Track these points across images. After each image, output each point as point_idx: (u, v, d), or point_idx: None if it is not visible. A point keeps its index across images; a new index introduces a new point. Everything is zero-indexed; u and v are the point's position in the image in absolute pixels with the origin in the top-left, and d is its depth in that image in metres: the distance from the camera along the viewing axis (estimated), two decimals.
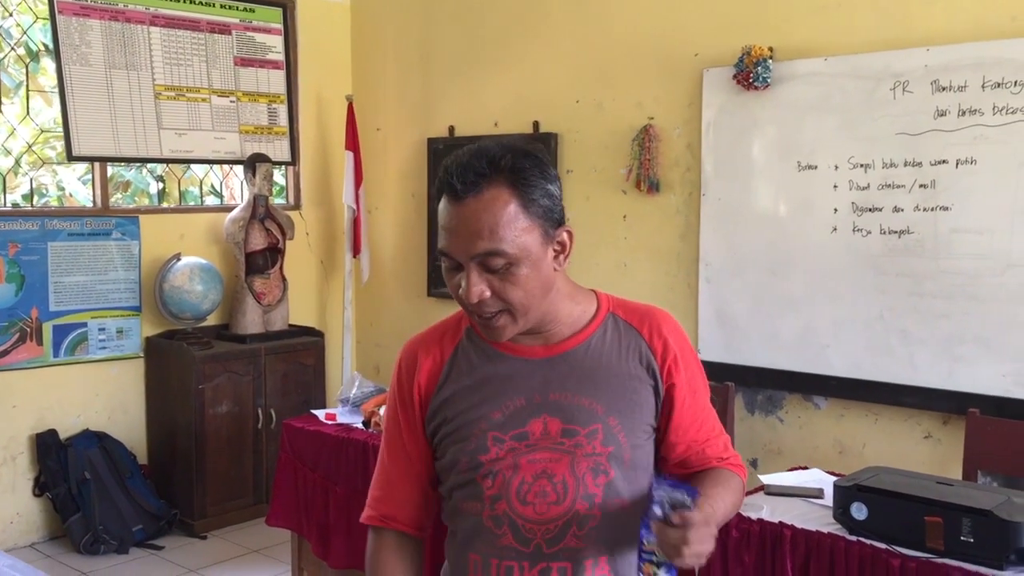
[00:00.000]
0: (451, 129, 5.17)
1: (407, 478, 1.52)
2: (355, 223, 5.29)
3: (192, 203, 5.55)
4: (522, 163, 1.34)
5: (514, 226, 1.31)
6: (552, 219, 1.36)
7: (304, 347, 5.05)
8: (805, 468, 3.04)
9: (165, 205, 5.31)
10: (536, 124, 4.75)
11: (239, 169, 5.23)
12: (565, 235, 1.39)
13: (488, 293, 1.33)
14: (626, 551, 1.42)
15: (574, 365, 1.43)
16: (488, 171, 1.32)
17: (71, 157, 4.55)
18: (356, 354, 5.51)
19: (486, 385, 1.43)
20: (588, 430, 1.40)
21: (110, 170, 4.98)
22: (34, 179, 7.39)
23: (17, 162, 4.88)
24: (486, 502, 1.41)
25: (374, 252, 5.51)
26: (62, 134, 4.71)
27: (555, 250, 1.38)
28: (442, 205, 1.35)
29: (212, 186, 7.24)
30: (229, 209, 5.09)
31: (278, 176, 5.47)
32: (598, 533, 1.40)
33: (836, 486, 2.44)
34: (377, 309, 5.62)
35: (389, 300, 5.57)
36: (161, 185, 7.63)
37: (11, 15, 4.82)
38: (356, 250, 5.33)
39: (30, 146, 4.88)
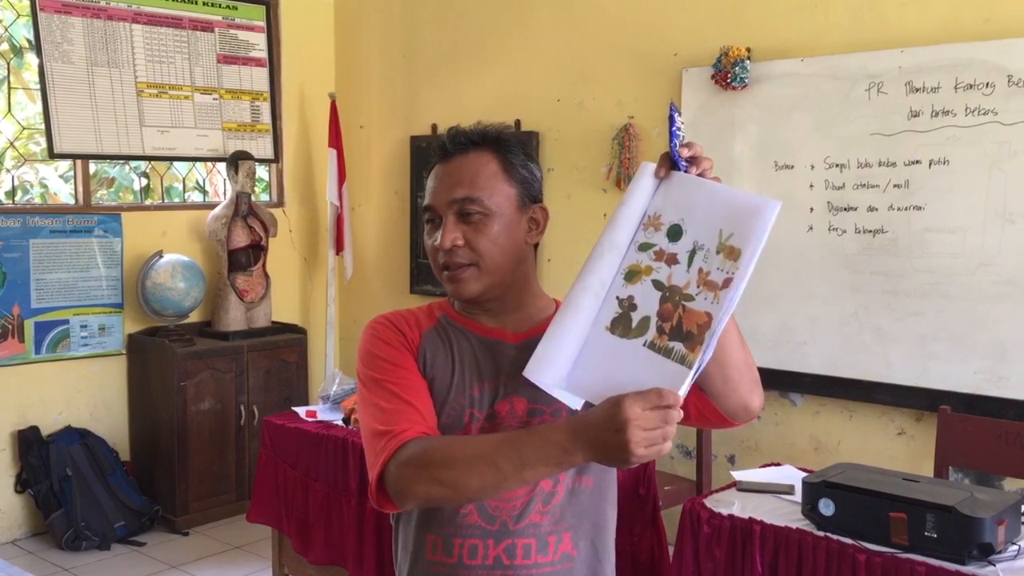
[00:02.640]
0: (434, 127, 5.19)
1: (428, 409, 1.44)
2: (338, 220, 5.31)
3: (176, 200, 5.56)
4: (508, 137, 1.49)
5: (492, 183, 1.45)
6: (529, 192, 1.49)
7: (287, 344, 5.07)
8: (778, 464, 3.08)
9: (148, 202, 5.32)
10: (518, 122, 4.77)
11: (222, 166, 5.24)
12: (539, 212, 1.50)
13: (461, 241, 1.43)
14: (587, 526, 1.47)
15: None
16: (477, 138, 1.47)
17: (53, 154, 4.55)
18: (339, 351, 5.52)
19: (461, 363, 1.47)
20: (552, 408, 1.43)
21: (93, 167, 4.99)
22: (17, 176, 7.38)
23: (10, 155, 4.88)
24: None
25: (357, 249, 5.52)
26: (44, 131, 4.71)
27: (529, 225, 1.49)
28: (432, 171, 1.49)
29: (196, 181, 7.25)
30: (212, 206, 5.10)
31: (261, 173, 5.48)
32: (561, 509, 1.44)
33: (804, 482, 2.48)
34: (360, 306, 5.64)
35: (372, 297, 5.59)
36: (145, 181, 7.63)
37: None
38: (339, 247, 5.35)
39: (12, 143, 4.87)
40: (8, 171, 7.65)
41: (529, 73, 4.77)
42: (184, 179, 5.59)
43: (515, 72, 4.82)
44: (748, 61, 3.90)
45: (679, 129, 1.31)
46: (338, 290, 5.50)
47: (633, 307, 1.30)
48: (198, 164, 5.41)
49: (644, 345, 1.27)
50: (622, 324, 1.30)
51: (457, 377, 1.46)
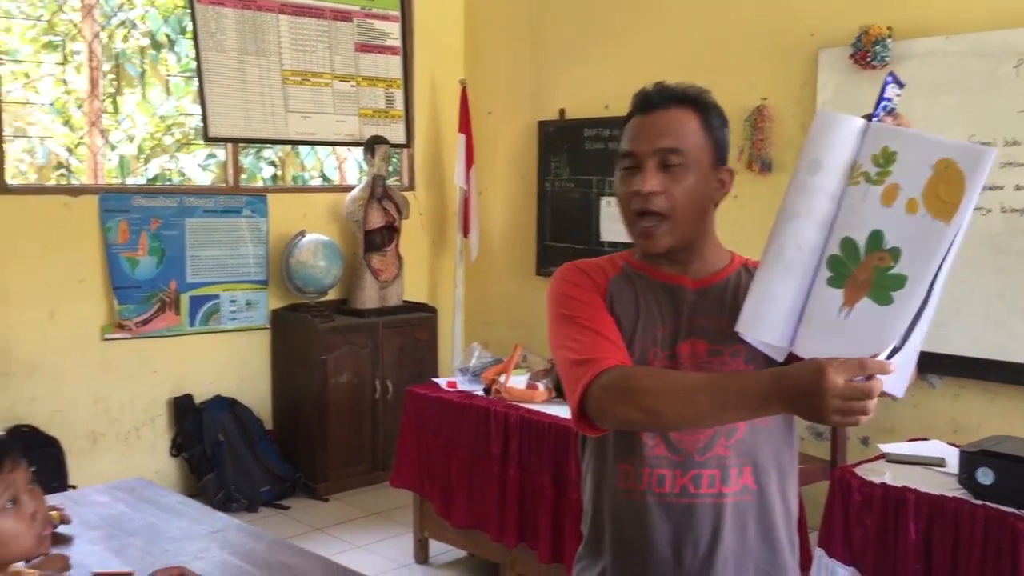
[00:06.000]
0: (562, 112, 5.29)
1: (620, 342, 1.54)
2: (465, 204, 5.46)
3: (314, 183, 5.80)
4: (708, 98, 1.57)
5: (694, 137, 1.53)
6: (721, 153, 1.58)
7: (419, 322, 5.25)
8: (925, 439, 3.08)
9: (290, 184, 5.57)
10: None
11: (354, 152, 5.45)
12: (727, 173, 1.59)
13: (660, 188, 1.52)
14: (766, 463, 1.55)
15: (717, 296, 1.57)
16: (680, 95, 1.55)
17: (207, 138, 4.82)
18: (465, 330, 5.68)
19: (647, 305, 1.58)
20: (732, 350, 1.52)
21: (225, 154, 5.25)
22: (160, 165, 7.80)
23: (148, 145, 5.19)
24: None
25: (483, 232, 5.66)
26: (183, 122, 5.00)
27: (716, 184, 1.58)
28: (630, 123, 1.58)
29: (322, 171, 7.53)
30: (348, 189, 5.32)
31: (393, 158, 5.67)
32: (743, 444, 1.53)
33: (962, 452, 2.49)
34: (486, 288, 5.79)
35: (497, 279, 5.73)
36: (274, 170, 7.97)
37: (141, 6, 5.10)
38: (466, 230, 5.51)
39: (169, 128, 5.18)
40: (148, 160, 8.08)
41: (658, 55, 4.82)
42: (322, 166, 5.82)
43: (644, 55, 4.88)
44: (889, 40, 3.87)
45: (890, 100, 1.36)
46: (465, 272, 5.66)
47: (847, 263, 1.34)
48: (332, 151, 5.63)
49: (859, 301, 1.31)
50: (840, 280, 1.34)
51: (643, 319, 1.57)
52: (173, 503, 2.57)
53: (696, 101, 1.56)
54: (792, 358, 1.43)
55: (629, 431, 1.54)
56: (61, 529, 2.22)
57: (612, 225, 5.02)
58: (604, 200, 5.07)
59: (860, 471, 2.69)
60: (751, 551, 1.55)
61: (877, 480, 2.61)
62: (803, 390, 1.27)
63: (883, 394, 1.30)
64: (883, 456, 2.83)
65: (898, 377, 1.30)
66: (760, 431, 1.54)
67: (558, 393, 3.63)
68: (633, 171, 1.55)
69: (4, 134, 4.40)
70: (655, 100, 1.55)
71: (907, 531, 2.51)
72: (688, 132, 1.53)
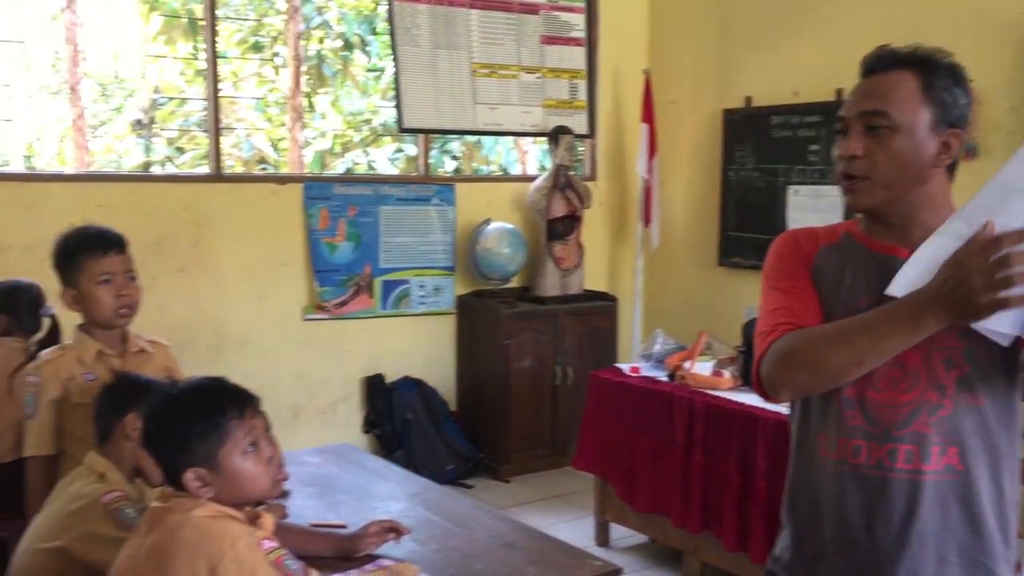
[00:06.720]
0: (748, 100, 5.20)
1: (807, 310, 1.56)
2: (646, 193, 5.46)
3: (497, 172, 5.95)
4: (937, 58, 1.51)
5: (906, 100, 1.49)
6: (947, 115, 1.50)
7: (599, 311, 5.30)
8: None
9: (474, 174, 5.74)
10: (839, 92, 4.68)
11: (535, 145, 5.55)
12: (953, 137, 1.51)
13: (861, 152, 1.50)
14: (975, 444, 1.48)
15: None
16: (903, 58, 1.51)
17: (402, 129, 5.04)
18: (644, 320, 5.68)
19: (854, 276, 1.56)
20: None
21: (414, 150, 5.46)
22: (352, 159, 8.22)
23: (340, 141, 5.48)
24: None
25: (665, 223, 5.64)
26: (371, 118, 5.25)
27: (940, 148, 1.51)
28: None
29: (501, 165, 7.72)
30: (531, 179, 5.43)
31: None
32: (948, 423, 1.48)
33: None
34: (666, 278, 5.77)
35: (678, 270, 5.70)
36: (457, 164, 8.23)
37: (336, 8, 5.39)
38: (647, 220, 5.51)
39: (369, 121, 5.45)
40: (341, 154, 8.52)
41: (851, 38, 4.64)
42: (503, 164, 5.97)
43: (836, 37, 4.72)
44: None
45: None
46: (645, 261, 5.66)
47: None
48: (511, 146, 5.76)
49: None
50: None
51: (846, 290, 1.55)
52: (378, 467, 2.72)
53: (918, 62, 1.51)
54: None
55: (826, 399, 1.54)
56: None
57: (799, 214, 4.90)
58: (791, 189, 4.95)
59: None
60: (954, 533, 1.49)
61: None
62: (947, 286, 1.26)
63: None
64: None
65: None
66: (968, 410, 1.48)
67: (744, 381, 3.59)
68: (844, 135, 1.55)
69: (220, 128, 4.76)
70: (873, 63, 1.54)
71: None
72: (901, 94, 1.49)
